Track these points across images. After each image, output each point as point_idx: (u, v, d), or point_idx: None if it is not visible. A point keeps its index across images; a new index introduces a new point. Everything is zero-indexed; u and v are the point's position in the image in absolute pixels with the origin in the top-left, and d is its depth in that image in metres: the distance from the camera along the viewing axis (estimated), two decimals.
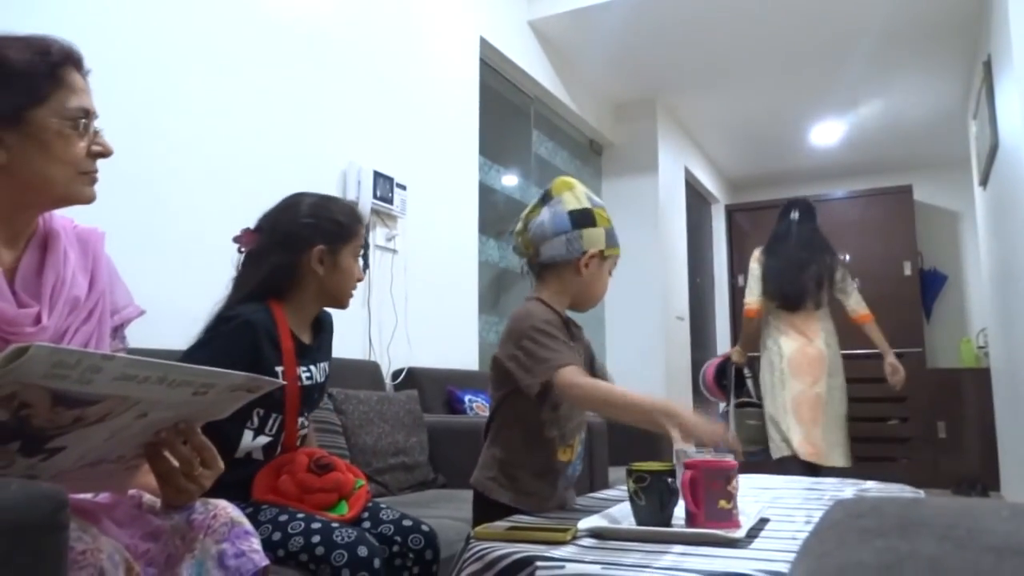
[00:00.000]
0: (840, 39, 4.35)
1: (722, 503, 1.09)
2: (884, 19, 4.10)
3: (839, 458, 3.32)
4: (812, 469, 3.24)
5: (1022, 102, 3.02)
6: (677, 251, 5.52)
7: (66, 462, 0.83)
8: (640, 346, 4.99)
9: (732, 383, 3.67)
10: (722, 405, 3.73)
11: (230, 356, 1.31)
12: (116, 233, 1.23)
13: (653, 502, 1.11)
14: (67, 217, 1.11)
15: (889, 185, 6.31)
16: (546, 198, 1.46)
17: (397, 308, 2.98)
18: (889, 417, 5.77)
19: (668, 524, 1.10)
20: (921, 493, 1.46)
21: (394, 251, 3.02)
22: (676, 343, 5.28)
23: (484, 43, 3.80)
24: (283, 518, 1.34)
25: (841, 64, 4.65)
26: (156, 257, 2.06)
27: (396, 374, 2.91)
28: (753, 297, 3.55)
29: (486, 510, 1.36)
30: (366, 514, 1.51)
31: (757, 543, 1.01)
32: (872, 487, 1.57)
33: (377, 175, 2.86)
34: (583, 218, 1.43)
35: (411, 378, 2.90)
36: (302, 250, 1.50)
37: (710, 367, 3.79)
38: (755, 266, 3.57)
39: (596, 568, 0.91)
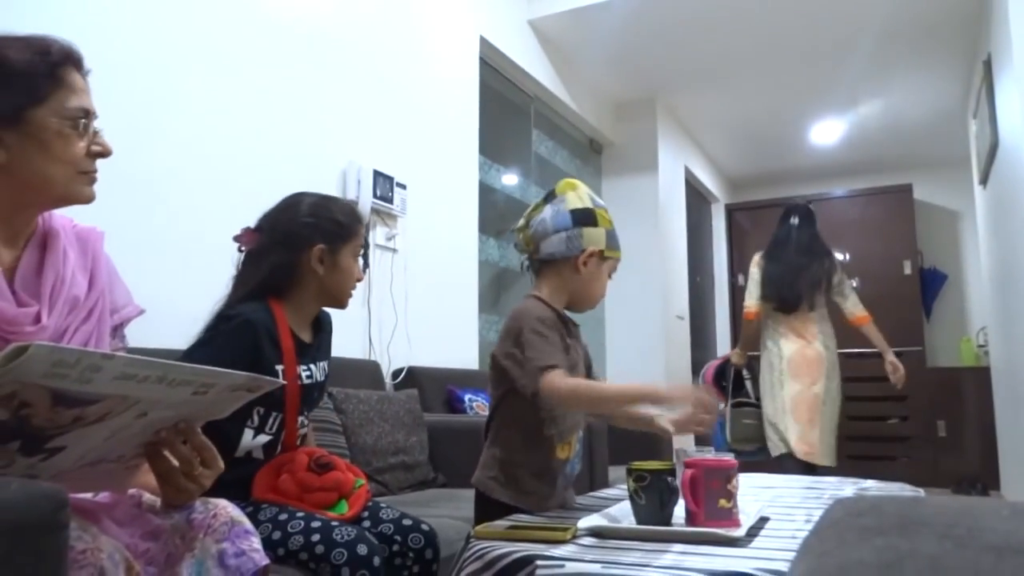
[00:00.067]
0: (840, 39, 4.34)
1: (722, 502, 1.09)
2: (884, 18, 4.10)
3: (828, 458, 3.42)
4: (809, 468, 3.30)
5: (1022, 101, 3.02)
6: (677, 250, 5.52)
7: (66, 462, 0.83)
8: (640, 345, 4.99)
9: (731, 384, 3.72)
10: (721, 405, 3.80)
11: (230, 355, 1.31)
12: (116, 232, 1.23)
13: (653, 501, 1.11)
14: (66, 216, 1.11)
15: (889, 184, 6.31)
16: (549, 197, 1.49)
17: (397, 307, 2.98)
18: (889, 416, 5.77)
19: (668, 523, 1.11)
20: (921, 492, 1.46)
21: (394, 250, 3.02)
22: (676, 342, 5.28)
23: (484, 42, 3.80)
24: (283, 517, 1.34)
25: (841, 63, 4.64)
26: (156, 257, 2.06)
27: (396, 373, 2.91)
28: (752, 300, 3.63)
29: (487, 510, 1.36)
30: (366, 513, 1.51)
31: (757, 542, 1.01)
32: (872, 486, 1.57)
33: (377, 174, 2.86)
34: (584, 217, 1.44)
35: (411, 377, 2.90)
36: (302, 249, 1.50)
37: (710, 368, 3.88)
38: (755, 270, 3.65)
39: (596, 567, 0.91)
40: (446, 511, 1.92)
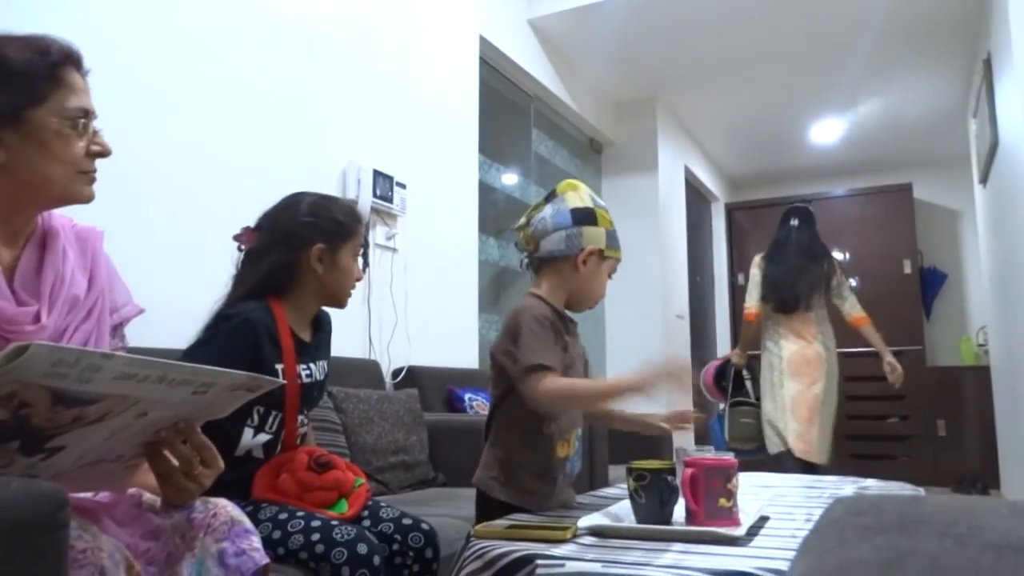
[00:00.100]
0: (840, 38, 4.34)
1: (722, 501, 1.09)
2: (884, 18, 4.09)
3: (823, 456, 3.45)
4: (807, 466, 3.33)
5: (1022, 100, 3.02)
6: (677, 250, 5.52)
7: (66, 461, 0.83)
8: (640, 345, 4.99)
9: (731, 384, 3.75)
10: (721, 405, 3.84)
11: (230, 354, 1.31)
12: (115, 232, 1.23)
13: (653, 500, 1.11)
14: (66, 216, 1.11)
15: (889, 183, 6.31)
16: (550, 197, 1.50)
17: (397, 307, 2.98)
18: (889, 415, 5.77)
19: (668, 522, 1.11)
20: (921, 491, 1.46)
21: (394, 250, 3.02)
22: (676, 342, 5.28)
23: (484, 42, 3.80)
24: (283, 516, 1.35)
25: (841, 63, 4.64)
26: (156, 256, 2.06)
27: (396, 373, 2.91)
28: (752, 302, 3.67)
29: (488, 509, 1.36)
30: (366, 512, 1.51)
31: (757, 541, 1.01)
32: (872, 485, 1.57)
33: (377, 174, 2.86)
34: (584, 216, 1.45)
35: (411, 377, 2.90)
36: (302, 249, 1.50)
37: (710, 368, 3.92)
38: (755, 272, 3.70)
39: (596, 566, 0.91)
40: (446, 510, 1.92)
